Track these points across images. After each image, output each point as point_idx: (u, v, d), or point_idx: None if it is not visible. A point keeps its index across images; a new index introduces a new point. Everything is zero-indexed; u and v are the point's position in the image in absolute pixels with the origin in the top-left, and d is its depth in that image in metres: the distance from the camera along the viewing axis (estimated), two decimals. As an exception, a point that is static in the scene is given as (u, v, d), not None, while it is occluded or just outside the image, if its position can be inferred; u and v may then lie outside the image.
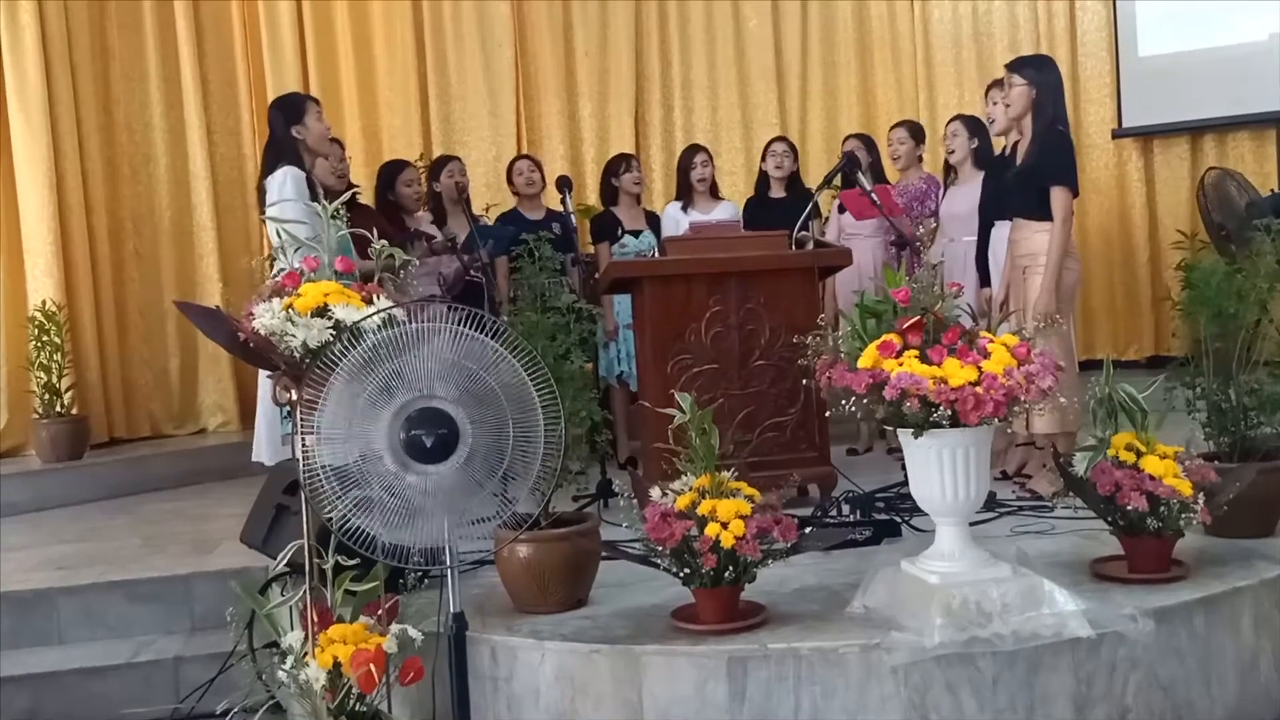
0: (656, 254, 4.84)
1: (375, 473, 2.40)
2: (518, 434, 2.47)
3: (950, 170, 5.14)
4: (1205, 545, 3.19)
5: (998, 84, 4.62)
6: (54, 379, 5.55)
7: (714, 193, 5.62)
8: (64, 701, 3.47)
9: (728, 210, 5.53)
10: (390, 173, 5.30)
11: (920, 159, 5.60)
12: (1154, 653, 2.74)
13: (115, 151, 6.30)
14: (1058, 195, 3.93)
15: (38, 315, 5.57)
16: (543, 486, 2.54)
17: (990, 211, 4.48)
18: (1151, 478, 2.87)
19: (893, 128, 5.65)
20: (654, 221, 5.55)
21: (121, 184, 6.33)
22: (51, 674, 3.51)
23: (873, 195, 4.72)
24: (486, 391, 2.44)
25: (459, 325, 2.42)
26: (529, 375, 2.47)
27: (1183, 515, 2.89)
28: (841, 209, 5.53)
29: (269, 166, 4.00)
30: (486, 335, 2.44)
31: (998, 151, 4.73)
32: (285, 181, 3.89)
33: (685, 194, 5.55)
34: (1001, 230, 4.35)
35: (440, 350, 2.41)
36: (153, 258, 6.40)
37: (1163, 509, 2.87)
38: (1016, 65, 4.20)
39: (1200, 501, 2.89)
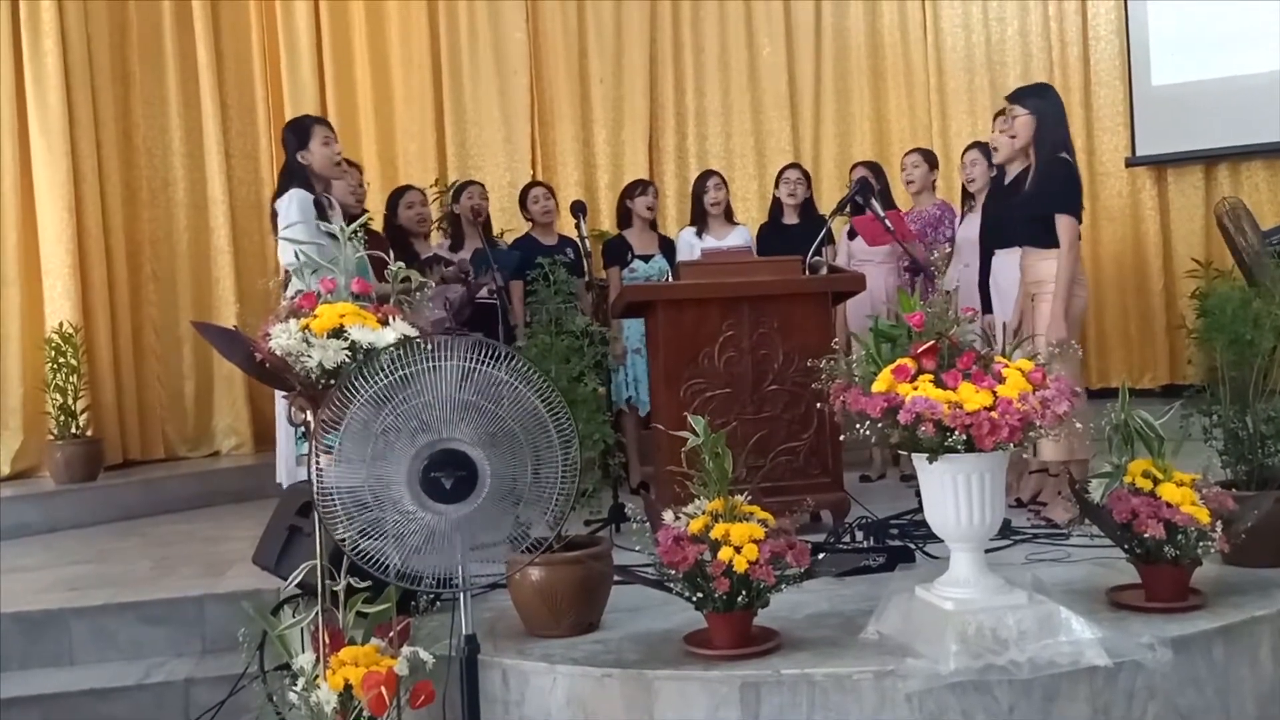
0: (670, 278, 4.86)
1: (392, 510, 2.39)
2: (534, 464, 2.46)
3: (969, 197, 5.16)
4: (1223, 574, 3.16)
5: (1003, 113, 4.63)
6: (69, 401, 5.56)
7: (729, 217, 5.63)
8: (74, 722, 3.47)
9: (741, 236, 5.54)
10: (392, 198, 5.34)
11: (933, 185, 5.61)
12: (1172, 682, 2.71)
13: (134, 175, 6.36)
14: (1063, 223, 3.94)
15: (54, 337, 5.59)
16: (557, 510, 2.53)
17: (991, 239, 4.49)
18: (1169, 505, 2.86)
19: (907, 154, 5.66)
20: (667, 246, 5.57)
21: (140, 207, 6.37)
22: (62, 695, 3.50)
23: (886, 221, 4.73)
24: (504, 431, 2.42)
25: (473, 362, 2.39)
26: (545, 403, 2.45)
27: (1200, 543, 2.86)
28: (852, 235, 5.54)
29: (280, 189, 4.04)
30: (501, 367, 2.42)
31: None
32: (291, 204, 3.92)
33: (699, 219, 5.57)
34: (1003, 258, 4.35)
35: (456, 390, 2.39)
36: (169, 281, 6.43)
37: (1180, 537, 2.85)
38: (1017, 96, 4.24)
39: (1218, 529, 2.86)
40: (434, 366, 2.36)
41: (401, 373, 2.35)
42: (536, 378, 2.44)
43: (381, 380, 2.35)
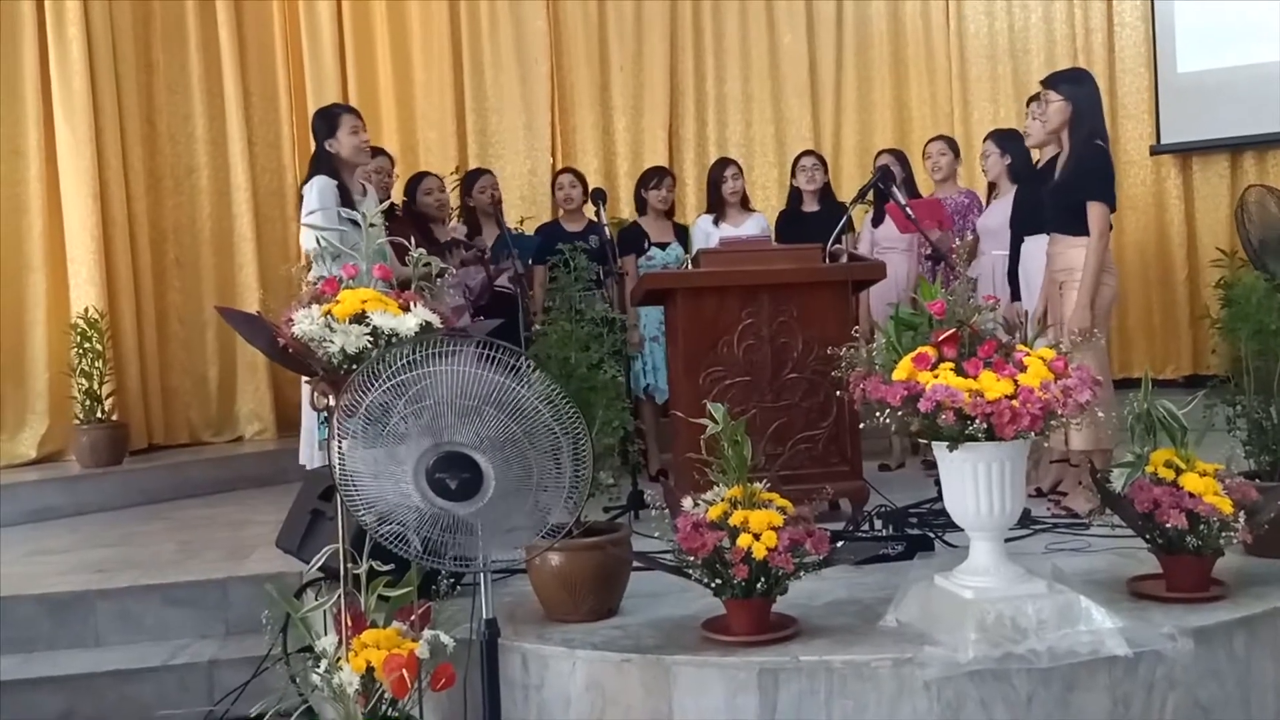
0: (689, 266, 4.85)
1: (402, 503, 2.40)
2: (539, 466, 2.42)
3: (993, 187, 5.14)
4: (1245, 565, 3.15)
5: (1036, 97, 4.59)
6: (95, 385, 5.62)
7: (745, 205, 5.62)
8: (99, 703, 3.51)
9: (758, 224, 5.53)
10: (410, 185, 5.36)
11: (957, 173, 5.59)
12: (1192, 673, 2.70)
13: (158, 162, 6.41)
14: (1094, 210, 3.90)
15: (80, 322, 5.65)
16: (574, 497, 2.53)
17: (1022, 226, 4.45)
18: (1191, 495, 2.84)
19: (931, 141, 5.63)
20: (682, 234, 5.57)
21: (164, 194, 6.42)
22: (88, 675, 3.55)
23: (907, 210, 4.72)
24: (509, 436, 2.39)
25: (476, 367, 2.37)
26: (551, 409, 2.41)
27: (1223, 534, 2.85)
28: (875, 223, 5.52)
29: (308, 176, 4.12)
30: (506, 373, 2.38)
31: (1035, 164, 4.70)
32: (313, 191, 4.03)
33: (716, 207, 5.56)
34: (1032, 244, 4.32)
35: (460, 396, 2.36)
36: (193, 267, 6.48)
37: (1202, 527, 2.84)
38: (1052, 81, 4.18)
39: (1241, 520, 2.85)
40: (435, 371, 2.35)
41: (406, 375, 2.35)
42: (543, 384, 2.42)
43: (389, 380, 2.34)
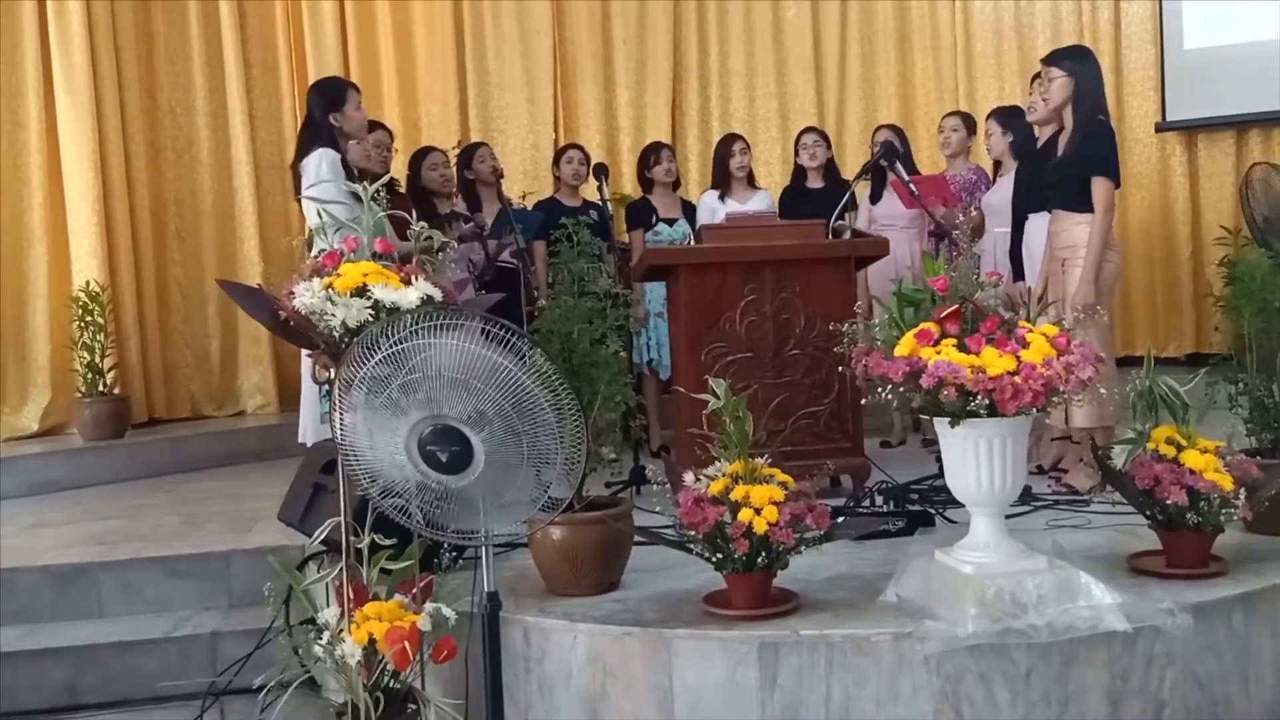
0: (692, 242, 4.84)
1: (399, 475, 2.40)
2: (538, 438, 2.40)
3: (998, 165, 5.12)
4: (1245, 542, 3.15)
5: (1039, 75, 4.56)
6: (96, 358, 5.63)
7: (751, 181, 5.60)
8: (102, 674, 3.53)
9: (764, 200, 5.51)
10: (415, 159, 5.34)
11: (968, 149, 5.56)
12: (1191, 649, 2.71)
13: (158, 134, 6.39)
14: (1099, 186, 3.88)
15: (81, 295, 5.64)
16: (573, 472, 2.53)
17: (1024, 204, 4.43)
18: (1192, 472, 2.84)
19: (946, 116, 5.61)
20: (690, 210, 5.55)
21: (164, 166, 6.41)
22: (90, 647, 3.57)
23: (911, 186, 4.70)
24: (500, 411, 2.38)
25: (471, 343, 2.35)
26: (546, 388, 2.39)
27: (1223, 511, 2.85)
28: (873, 200, 5.50)
29: (304, 149, 4.04)
30: (501, 351, 2.36)
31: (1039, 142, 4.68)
32: (321, 163, 3.94)
33: (722, 183, 5.53)
34: (1036, 222, 4.30)
35: (452, 371, 2.35)
36: (194, 240, 6.47)
37: (1203, 504, 2.84)
38: (1054, 58, 4.16)
39: (1241, 497, 2.85)
40: (429, 344, 2.34)
41: (398, 348, 2.34)
42: (538, 359, 2.40)
43: (385, 352, 2.33)
